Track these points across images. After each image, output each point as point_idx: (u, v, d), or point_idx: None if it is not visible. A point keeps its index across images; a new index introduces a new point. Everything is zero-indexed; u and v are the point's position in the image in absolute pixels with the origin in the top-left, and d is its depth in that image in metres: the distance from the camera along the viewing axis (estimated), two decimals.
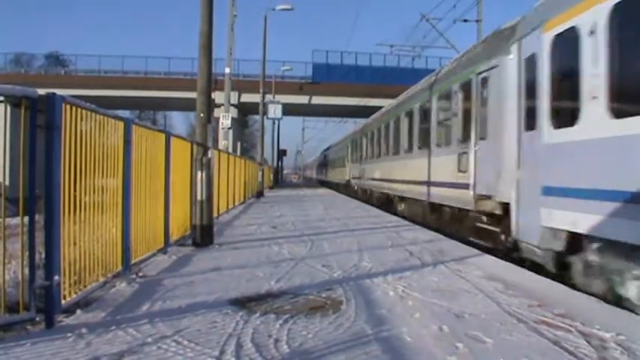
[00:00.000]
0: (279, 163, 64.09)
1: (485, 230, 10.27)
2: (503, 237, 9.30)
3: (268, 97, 40.42)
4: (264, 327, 4.66)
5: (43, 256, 4.50)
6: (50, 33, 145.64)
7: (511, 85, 8.72)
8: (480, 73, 10.34)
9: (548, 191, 7.28)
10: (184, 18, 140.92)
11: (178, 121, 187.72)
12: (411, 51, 31.43)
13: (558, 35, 7.23)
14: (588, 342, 4.31)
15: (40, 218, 4.47)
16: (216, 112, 28.72)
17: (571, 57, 6.79)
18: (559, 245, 7.17)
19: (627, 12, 5.77)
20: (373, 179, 24.02)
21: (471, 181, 10.64)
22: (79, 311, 5.00)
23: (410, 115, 16.98)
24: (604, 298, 5.99)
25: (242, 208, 20.03)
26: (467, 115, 11.13)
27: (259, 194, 28.26)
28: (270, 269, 7.38)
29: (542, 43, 7.64)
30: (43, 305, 4.46)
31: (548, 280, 6.99)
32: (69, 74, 54.77)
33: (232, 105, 34.05)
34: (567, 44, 6.99)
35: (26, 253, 4.38)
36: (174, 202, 8.88)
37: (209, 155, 10.02)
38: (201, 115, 10.24)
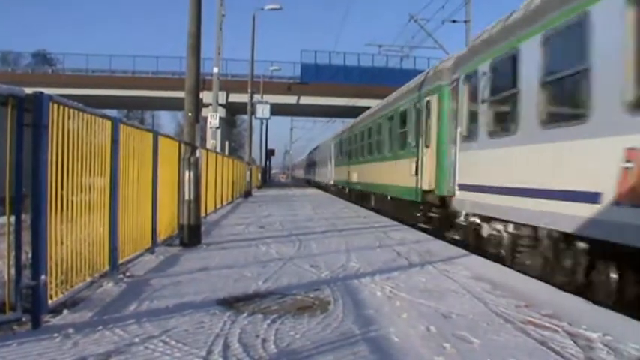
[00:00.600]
0: (267, 163, 64.07)
1: None
2: None
3: (256, 96, 40.34)
4: (252, 327, 4.65)
5: (30, 255, 4.47)
6: (37, 31, 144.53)
7: None
8: None
9: None
10: (173, 17, 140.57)
11: (166, 121, 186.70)
12: (400, 51, 31.43)
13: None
14: (575, 342, 4.34)
15: (26, 218, 4.44)
16: (204, 112, 28.62)
17: None
18: None
19: None
20: None
21: None
22: (65, 311, 4.97)
23: None
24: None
25: (230, 207, 19.99)
26: None
27: (247, 194, 28.21)
28: (258, 269, 7.37)
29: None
30: (29, 305, 4.43)
31: (536, 281, 7.04)
32: (56, 73, 54.44)
33: (220, 105, 33.97)
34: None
35: (13, 253, 4.34)
36: (161, 202, 8.84)
37: (197, 155, 9.99)
38: (189, 114, 10.20)
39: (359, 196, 25.92)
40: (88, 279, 5.57)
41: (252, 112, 37.06)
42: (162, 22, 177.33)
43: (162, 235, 9.02)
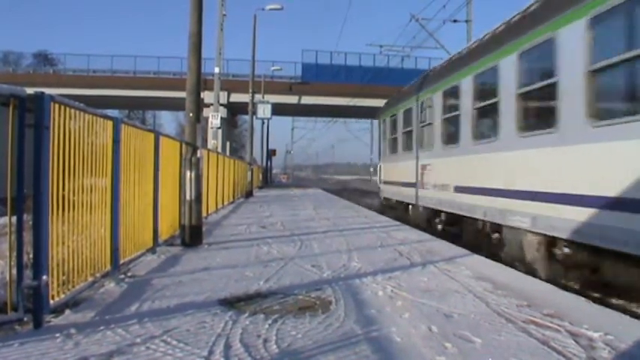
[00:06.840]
0: (269, 163, 64.01)
1: None
2: None
3: (257, 96, 40.34)
4: (253, 327, 4.65)
5: (31, 256, 4.47)
6: (39, 31, 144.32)
7: None
8: None
9: None
10: (174, 17, 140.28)
11: (167, 121, 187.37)
12: (401, 51, 31.45)
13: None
14: (577, 342, 4.33)
15: (28, 218, 4.44)
16: (206, 112, 28.71)
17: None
18: None
19: None
20: None
21: None
22: (67, 311, 4.97)
23: None
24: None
25: (231, 207, 19.99)
26: None
27: (248, 194, 28.20)
28: (260, 269, 7.36)
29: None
30: (31, 305, 4.43)
31: (537, 280, 7.04)
32: (57, 73, 54.45)
33: (221, 105, 33.99)
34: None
35: (14, 253, 4.34)
36: (163, 202, 8.85)
37: (198, 155, 9.99)
38: (191, 114, 10.20)
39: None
40: (90, 279, 5.57)
41: (254, 112, 37.08)
42: (163, 21, 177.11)
43: (163, 235, 9.02)
